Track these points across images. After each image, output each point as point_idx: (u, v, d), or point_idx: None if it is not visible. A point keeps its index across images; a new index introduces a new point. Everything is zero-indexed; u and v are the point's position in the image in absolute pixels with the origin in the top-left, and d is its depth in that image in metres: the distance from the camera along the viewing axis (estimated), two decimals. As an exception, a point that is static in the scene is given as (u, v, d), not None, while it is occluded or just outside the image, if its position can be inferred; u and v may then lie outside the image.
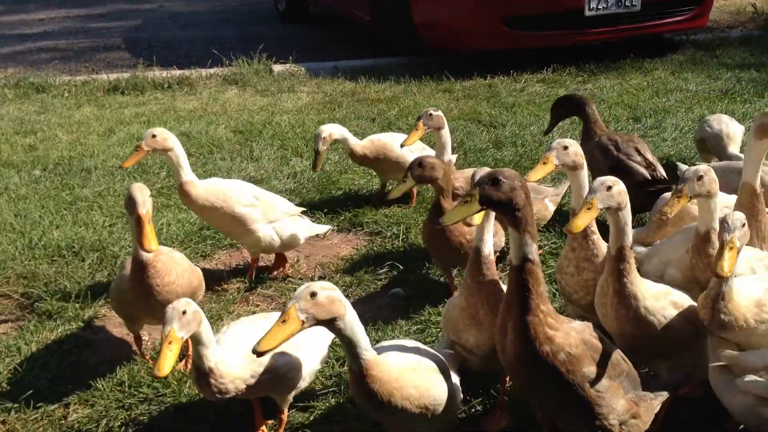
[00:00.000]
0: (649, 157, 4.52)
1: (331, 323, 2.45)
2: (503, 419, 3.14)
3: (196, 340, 2.78)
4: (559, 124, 5.23)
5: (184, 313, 2.70)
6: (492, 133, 6.78)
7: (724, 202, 3.79)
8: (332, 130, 5.03)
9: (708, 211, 3.11)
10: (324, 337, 3.25)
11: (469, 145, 6.45)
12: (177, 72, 9.27)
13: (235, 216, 4.12)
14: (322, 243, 4.93)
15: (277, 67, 9.47)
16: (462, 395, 2.94)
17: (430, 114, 4.49)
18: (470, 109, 7.61)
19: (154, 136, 3.96)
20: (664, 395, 2.81)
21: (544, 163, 3.24)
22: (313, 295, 2.40)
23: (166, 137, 3.97)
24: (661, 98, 7.58)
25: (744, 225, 2.71)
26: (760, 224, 3.45)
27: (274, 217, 4.25)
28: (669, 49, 9.70)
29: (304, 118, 7.37)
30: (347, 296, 4.19)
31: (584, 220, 2.69)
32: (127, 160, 4.06)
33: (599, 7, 8.84)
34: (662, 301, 2.90)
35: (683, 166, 4.76)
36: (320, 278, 4.44)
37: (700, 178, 3.02)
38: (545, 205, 4.42)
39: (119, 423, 3.27)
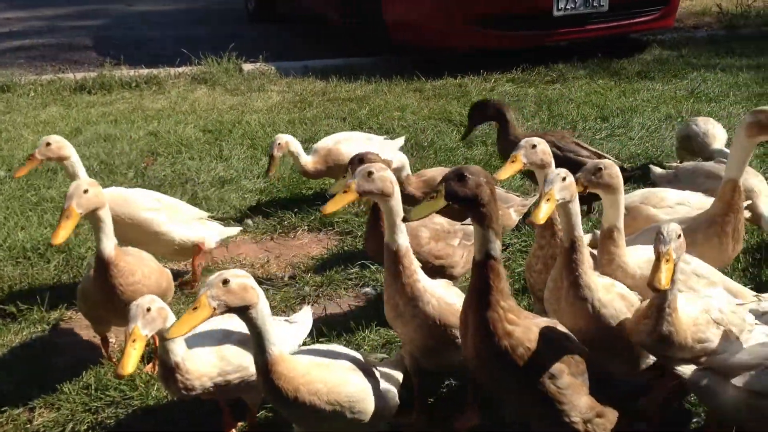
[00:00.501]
0: (591, 148, 4.65)
1: (243, 312, 2.44)
2: (473, 418, 3.15)
3: (162, 335, 2.75)
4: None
5: (148, 310, 2.66)
6: (462, 132, 6.78)
7: (694, 203, 3.87)
8: (289, 140, 5.03)
9: (611, 207, 3.11)
10: (295, 339, 3.24)
11: (440, 145, 6.46)
12: (145, 71, 9.18)
13: (139, 221, 3.98)
14: (292, 243, 4.92)
15: (247, 66, 9.42)
16: (397, 400, 2.89)
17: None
18: (441, 108, 7.63)
19: (48, 144, 3.81)
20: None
21: (513, 162, 3.23)
22: (225, 282, 2.39)
23: (62, 145, 3.84)
24: (628, 98, 7.66)
25: (680, 236, 2.65)
26: (738, 222, 3.48)
27: (180, 220, 4.16)
28: (636, 49, 9.81)
29: (274, 118, 7.34)
30: (318, 296, 4.22)
31: (545, 211, 2.68)
32: (19, 170, 3.90)
33: (567, 7, 8.92)
34: (611, 293, 2.94)
35: (657, 170, 4.82)
36: (291, 278, 4.42)
37: (598, 170, 3.02)
38: (509, 214, 4.43)
39: (85, 427, 3.23)
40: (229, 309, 2.42)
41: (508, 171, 3.25)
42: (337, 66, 9.44)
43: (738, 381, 2.67)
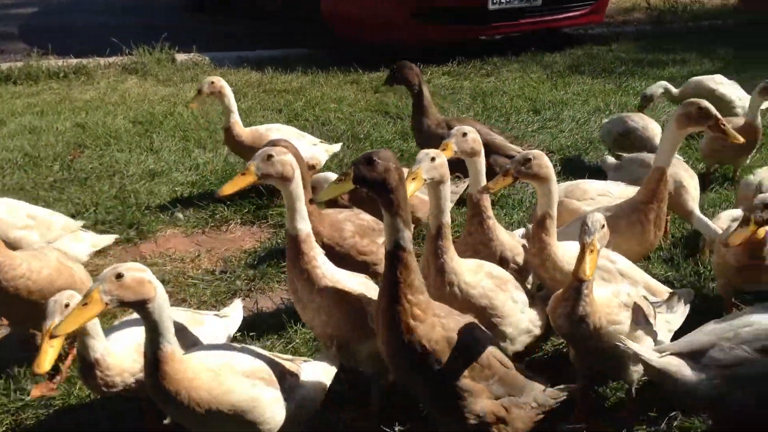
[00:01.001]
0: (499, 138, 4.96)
1: (139, 307, 2.37)
2: None
3: (81, 330, 2.67)
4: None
5: (66, 305, 2.60)
6: (398, 124, 6.82)
7: (616, 193, 3.98)
8: (225, 86, 5.03)
9: (543, 196, 3.17)
10: (224, 333, 3.20)
11: (376, 137, 6.47)
12: (74, 61, 8.92)
13: (11, 241, 3.69)
14: (224, 236, 4.86)
15: (180, 56, 9.25)
16: (317, 401, 2.83)
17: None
18: (377, 100, 7.62)
19: None
20: (549, 404, 2.78)
21: (443, 150, 3.25)
22: (118, 276, 2.32)
23: None
24: (560, 91, 7.80)
25: (603, 226, 2.73)
26: (660, 212, 3.57)
27: (53, 236, 3.95)
28: (568, 43, 10.00)
29: (207, 109, 7.20)
30: (250, 290, 4.18)
31: (411, 190, 2.73)
32: None
33: (502, 1, 9.03)
34: (479, 273, 3.03)
35: (609, 159, 4.95)
36: (222, 272, 4.36)
37: (527, 161, 3.09)
38: None
39: (4, 428, 3.13)
40: (124, 304, 2.34)
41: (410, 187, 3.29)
42: (272, 57, 9.35)
43: (707, 360, 2.73)
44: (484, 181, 3.38)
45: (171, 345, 2.44)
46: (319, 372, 2.92)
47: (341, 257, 3.55)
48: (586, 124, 6.71)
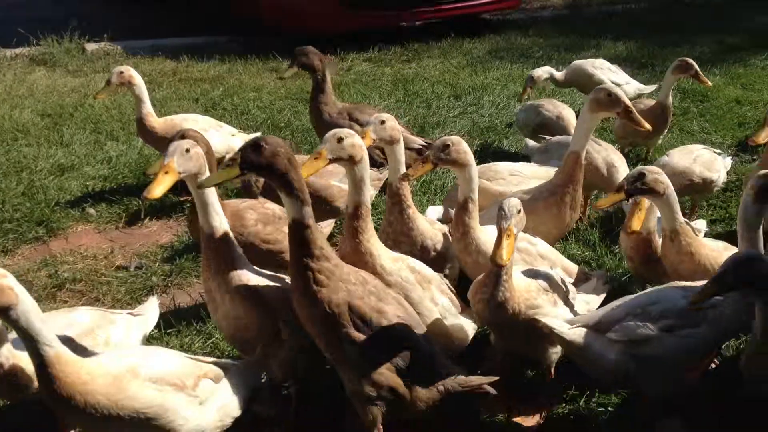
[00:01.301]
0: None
1: (2, 314, 2.27)
2: None
3: None
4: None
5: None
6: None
7: (527, 173, 4.03)
8: (135, 75, 4.89)
9: (464, 180, 3.20)
10: (139, 332, 3.10)
11: (297, 125, 6.40)
12: (-24, 52, 8.53)
13: None
14: (139, 231, 4.71)
15: (91, 46, 8.94)
16: (236, 406, 2.74)
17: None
18: (297, 88, 7.53)
19: None
20: (456, 389, 2.72)
21: (362, 137, 3.21)
22: None
23: None
24: (479, 76, 7.85)
25: (520, 211, 2.76)
26: (576, 194, 3.62)
27: None
28: (486, 29, 10.08)
29: (120, 100, 6.99)
30: (167, 285, 4.06)
31: (308, 169, 2.76)
32: None
33: (421, -13, 9.06)
34: (399, 263, 3.01)
35: (530, 142, 5.01)
36: (137, 268, 4.23)
37: (446, 147, 3.12)
38: None
39: None
40: None
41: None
42: (188, 45, 9.14)
43: (612, 335, 2.76)
44: (403, 169, 3.36)
45: (53, 348, 2.33)
46: (244, 375, 2.84)
47: (244, 246, 3.43)
48: (505, 109, 6.77)
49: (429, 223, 3.55)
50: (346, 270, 2.68)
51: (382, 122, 3.29)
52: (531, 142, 5.03)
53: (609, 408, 3.12)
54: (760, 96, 6.90)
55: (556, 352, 3.01)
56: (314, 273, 2.58)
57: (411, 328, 2.72)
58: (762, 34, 9.11)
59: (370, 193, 4.41)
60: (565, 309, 2.99)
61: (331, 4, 8.79)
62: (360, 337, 2.59)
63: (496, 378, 2.77)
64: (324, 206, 4.30)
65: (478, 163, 3.36)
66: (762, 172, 2.79)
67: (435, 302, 3.05)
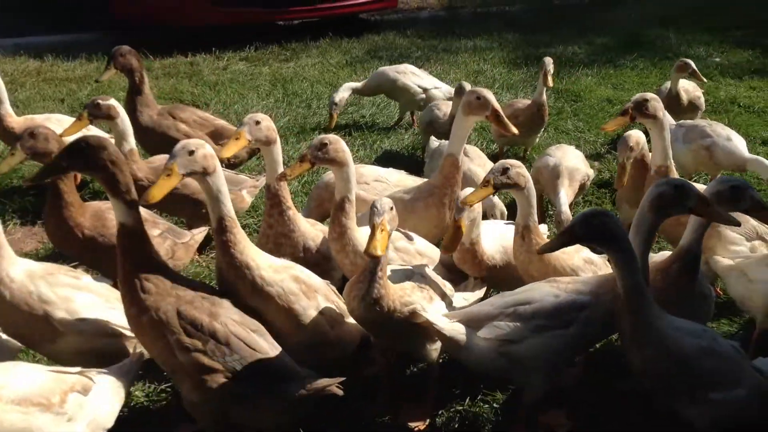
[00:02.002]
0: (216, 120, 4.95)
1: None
2: None
3: None
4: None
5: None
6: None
7: (393, 180, 4.05)
8: None
9: (341, 180, 3.16)
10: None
11: (170, 126, 6.13)
12: None
13: None
14: (0, 241, 4.37)
15: (-56, 46, 8.32)
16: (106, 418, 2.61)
17: (97, 103, 4.04)
18: (171, 88, 7.29)
19: None
20: (302, 394, 2.68)
21: (237, 139, 3.18)
22: None
23: None
24: (359, 76, 7.81)
25: (392, 209, 2.76)
26: (454, 194, 3.61)
27: None
28: (365, 28, 10.08)
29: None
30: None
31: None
32: None
33: (298, -15, 8.95)
34: (282, 274, 2.92)
35: (433, 140, 4.96)
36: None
37: (323, 146, 3.08)
38: (242, 195, 4.33)
39: None
40: None
41: (231, 148, 3.19)
42: (53, 43, 8.69)
43: (483, 333, 2.76)
44: (281, 169, 3.28)
45: None
46: (113, 383, 2.70)
47: (105, 248, 3.41)
48: (386, 109, 6.77)
49: (310, 224, 3.49)
50: (177, 276, 2.73)
51: (257, 122, 3.21)
52: (434, 141, 4.98)
53: (494, 404, 3.14)
54: (629, 95, 7.14)
55: (435, 348, 2.99)
56: (141, 280, 2.59)
57: (252, 332, 2.70)
58: (630, 36, 9.55)
59: (248, 200, 4.36)
60: (441, 305, 3.00)
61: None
62: (193, 343, 2.58)
63: (342, 378, 2.74)
64: (198, 209, 4.17)
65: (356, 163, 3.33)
66: (659, 181, 2.85)
67: (322, 313, 2.97)
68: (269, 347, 2.71)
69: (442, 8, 11.91)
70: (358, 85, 6.19)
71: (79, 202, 3.52)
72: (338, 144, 3.10)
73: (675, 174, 3.57)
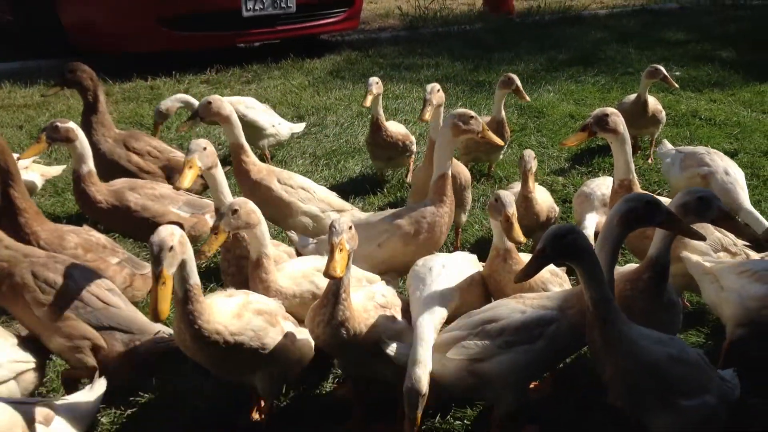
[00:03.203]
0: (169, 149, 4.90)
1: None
2: None
3: None
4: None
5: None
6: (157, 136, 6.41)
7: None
8: None
9: (255, 239, 3.07)
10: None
11: (130, 151, 6.02)
12: None
13: None
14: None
15: None
16: None
17: (56, 126, 3.91)
18: (131, 112, 7.18)
19: None
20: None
21: (190, 167, 3.19)
22: None
23: None
24: (322, 97, 7.79)
25: (351, 228, 2.70)
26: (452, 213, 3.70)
27: None
28: (326, 49, 10.06)
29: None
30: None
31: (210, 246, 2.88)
32: None
33: (256, 8, 8.88)
34: (245, 313, 2.82)
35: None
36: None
37: (234, 212, 2.96)
38: (205, 220, 4.26)
39: None
40: None
41: (187, 179, 3.19)
42: (10, 70, 8.55)
43: (452, 353, 2.77)
44: (227, 190, 3.36)
45: None
46: (76, 411, 2.66)
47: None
48: (350, 128, 6.74)
49: (273, 246, 3.45)
50: (31, 249, 3.10)
51: (204, 148, 3.25)
52: None
53: (466, 421, 3.12)
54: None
55: (398, 370, 2.91)
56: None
57: (106, 290, 3.09)
58: (590, 52, 9.67)
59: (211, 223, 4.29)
60: (402, 323, 2.95)
61: (147, 24, 8.38)
62: (47, 299, 2.93)
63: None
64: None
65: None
66: (627, 196, 2.84)
67: (284, 333, 2.92)
68: (122, 302, 3.09)
69: (403, 28, 11.95)
70: (194, 102, 5.61)
71: (35, 209, 3.51)
72: (248, 206, 3.00)
73: (638, 187, 3.58)
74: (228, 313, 2.77)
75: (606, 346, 2.57)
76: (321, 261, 3.08)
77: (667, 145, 5.03)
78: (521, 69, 8.79)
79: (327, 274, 2.58)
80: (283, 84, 8.31)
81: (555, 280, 3.26)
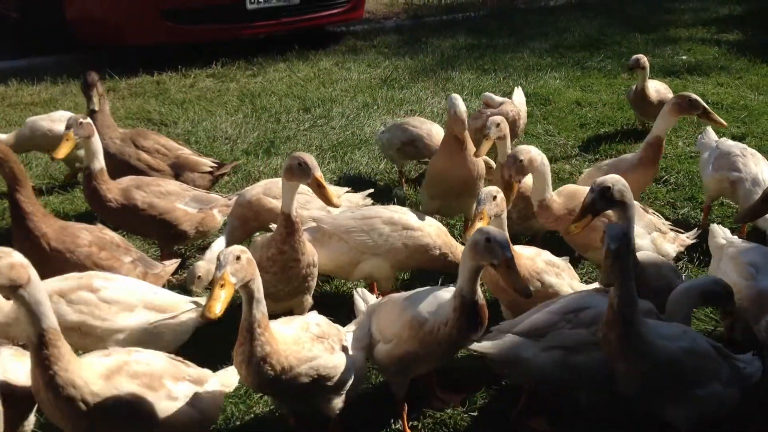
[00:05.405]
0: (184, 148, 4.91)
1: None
2: None
3: None
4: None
5: (237, 258, 2.48)
6: (164, 131, 6.43)
7: None
8: None
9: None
10: None
11: (138, 147, 6.05)
12: None
13: None
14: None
15: None
16: None
17: (80, 122, 3.96)
18: (138, 107, 7.20)
19: None
20: None
21: (68, 140, 3.83)
22: None
23: None
24: (327, 88, 7.79)
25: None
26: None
27: None
28: (331, 40, 10.05)
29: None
30: None
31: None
32: None
33: (261, 0, 8.88)
34: (115, 380, 2.56)
35: None
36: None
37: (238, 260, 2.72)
38: (212, 215, 4.29)
39: None
40: None
41: (65, 150, 3.80)
42: (17, 68, 8.56)
43: (545, 342, 2.84)
44: (101, 156, 3.80)
45: None
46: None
47: (74, 266, 3.38)
48: (356, 120, 6.74)
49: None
50: None
51: (80, 122, 3.80)
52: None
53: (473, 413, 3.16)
54: (598, 97, 7.25)
55: (339, 401, 2.88)
56: None
57: None
58: (596, 37, 9.61)
59: (220, 219, 4.31)
60: (340, 355, 2.83)
61: (151, 18, 8.38)
62: None
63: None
64: (168, 230, 4.15)
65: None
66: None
67: (173, 397, 2.65)
68: None
69: (407, 17, 11.91)
70: (2, 137, 5.30)
71: (42, 212, 3.52)
72: (247, 253, 2.57)
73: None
74: (96, 371, 2.52)
75: (624, 348, 2.60)
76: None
77: (710, 135, 4.86)
78: (526, 56, 8.76)
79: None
80: (288, 76, 8.31)
81: (551, 269, 3.28)
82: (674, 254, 3.85)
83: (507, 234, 3.14)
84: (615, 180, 3.02)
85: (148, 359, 2.68)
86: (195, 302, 3.26)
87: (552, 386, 3.04)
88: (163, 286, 3.93)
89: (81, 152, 4.79)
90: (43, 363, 2.40)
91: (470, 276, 2.68)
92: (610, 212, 3.10)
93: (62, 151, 3.91)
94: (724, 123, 4.41)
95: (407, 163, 5.51)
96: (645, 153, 4.23)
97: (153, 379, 2.61)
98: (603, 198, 3.00)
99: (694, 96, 4.23)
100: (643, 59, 5.78)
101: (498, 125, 3.95)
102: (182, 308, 3.20)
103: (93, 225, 3.73)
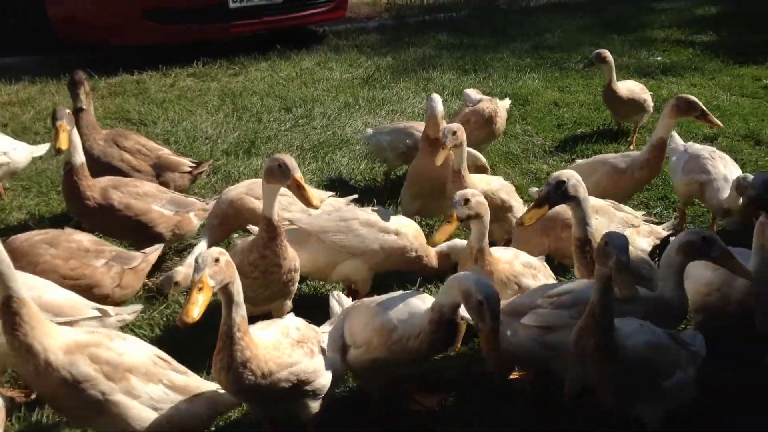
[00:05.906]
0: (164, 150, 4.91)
1: None
2: None
3: None
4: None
5: (216, 261, 2.45)
6: (143, 131, 6.42)
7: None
8: None
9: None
10: None
11: (118, 147, 6.04)
12: None
13: None
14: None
15: None
16: None
17: (68, 112, 3.95)
18: (117, 107, 7.17)
19: None
20: None
21: (63, 131, 3.80)
22: None
23: None
24: (309, 88, 7.80)
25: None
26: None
27: None
28: (314, 40, 10.06)
29: None
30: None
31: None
32: None
33: (243, -1, 8.89)
34: (77, 355, 2.58)
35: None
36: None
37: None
38: (189, 218, 4.29)
39: None
40: None
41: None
42: (-7, 67, 8.49)
43: (526, 320, 2.91)
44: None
45: None
46: None
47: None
48: (337, 120, 6.76)
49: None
50: None
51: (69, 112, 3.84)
52: None
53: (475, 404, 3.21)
54: (575, 98, 7.32)
55: (317, 405, 2.87)
56: None
57: None
58: (575, 38, 9.69)
59: (196, 223, 4.32)
60: (320, 358, 2.83)
61: (132, 18, 8.37)
62: None
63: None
64: (143, 232, 4.13)
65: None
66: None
67: (134, 395, 2.61)
68: None
69: (390, 17, 11.94)
70: None
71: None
72: (226, 255, 2.54)
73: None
74: (57, 342, 2.58)
75: (599, 355, 2.64)
76: None
77: (677, 141, 4.90)
78: (507, 56, 8.83)
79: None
80: (270, 76, 8.31)
81: (528, 272, 3.32)
82: (649, 248, 3.89)
83: (486, 236, 3.20)
84: (569, 174, 3.12)
85: (125, 350, 2.65)
86: (98, 308, 3.19)
87: (531, 364, 3.13)
88: (148, 277, 3.95)
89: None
90: (12, 331, 2.52)
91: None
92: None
93: (64, 141, 3.87)
94: (721, 124, 4.49)
95: (398, 166, 5.50)
96: (651, 154, 4.29)
97: (117, 370, 2.59)
98: (558, 192, 3.07)
99: (693, 98, 4.27)
100: (605, 53, 5.81)
101: (454, 133, 3.76)
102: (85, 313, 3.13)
103: (60, 231, 3.64)
